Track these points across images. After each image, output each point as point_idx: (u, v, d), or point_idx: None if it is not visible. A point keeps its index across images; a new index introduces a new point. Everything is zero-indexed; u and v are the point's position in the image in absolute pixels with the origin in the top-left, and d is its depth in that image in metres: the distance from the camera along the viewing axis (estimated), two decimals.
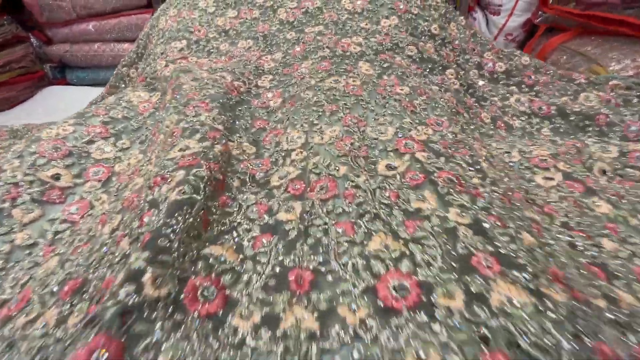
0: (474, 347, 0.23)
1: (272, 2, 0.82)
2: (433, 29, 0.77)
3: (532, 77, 0.73)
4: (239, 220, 0.37)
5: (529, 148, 0.55)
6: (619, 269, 0.34)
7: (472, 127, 0.61)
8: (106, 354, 0.24)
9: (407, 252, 0.30)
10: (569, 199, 0.44)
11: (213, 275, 0.31)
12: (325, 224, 0.34)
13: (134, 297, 0.26)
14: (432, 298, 0.27)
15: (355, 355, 0.24)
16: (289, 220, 0.36)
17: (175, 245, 0.30)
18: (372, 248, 0.31)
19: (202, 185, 0.36)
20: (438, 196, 0.35)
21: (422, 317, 0.26)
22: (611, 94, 0.69)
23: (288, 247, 0.33)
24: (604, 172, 0.51)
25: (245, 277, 0.31)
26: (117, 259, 0.30)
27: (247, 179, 0.43)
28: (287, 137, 0.48)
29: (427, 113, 0.51)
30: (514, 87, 0.73)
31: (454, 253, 0.29)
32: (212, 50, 0.74)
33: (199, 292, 0.29)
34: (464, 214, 0.32)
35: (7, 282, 0.35)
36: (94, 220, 0.40)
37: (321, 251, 0.32)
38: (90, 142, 0.51)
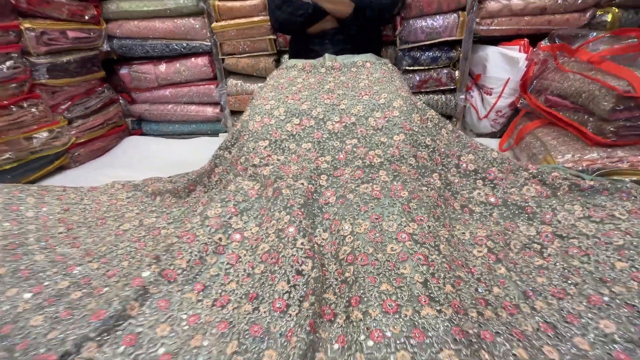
0: None
1: (323, 116, 1.03)
2: (427, 141, 1.00)
3: (493, 173, 1.04)
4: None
5: (477, 230, 0.88)
6: (494, 302, 0.69)
7: (445, 214, 0.92)
8: None
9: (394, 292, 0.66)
10: (486, 264, 0.78)
11: None
12: (363, 279, 0.69)
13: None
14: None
15: None
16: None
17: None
18: (382, 289, 0.66)
19: (320, 268, 0.72)
20: (412, 267, 0.69)
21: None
22: (550, 182, 0.98)
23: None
24: (520, 246, 0.83)
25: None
26: (284, 291, 0.67)
27: (331, 257, 0.80)
28: (342, 227, 0.84)
29: (417, 212, 0.78)
30: (479, 181, 1.04)
31: (415, 294, 0.63)
32: (285, 149, 0.99)
33: None
34: (420, 276, 0.67)
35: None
36: (245, 265, 0.78)
37: (361, 293, 0.66)
38: (230, 217, 0.88)
